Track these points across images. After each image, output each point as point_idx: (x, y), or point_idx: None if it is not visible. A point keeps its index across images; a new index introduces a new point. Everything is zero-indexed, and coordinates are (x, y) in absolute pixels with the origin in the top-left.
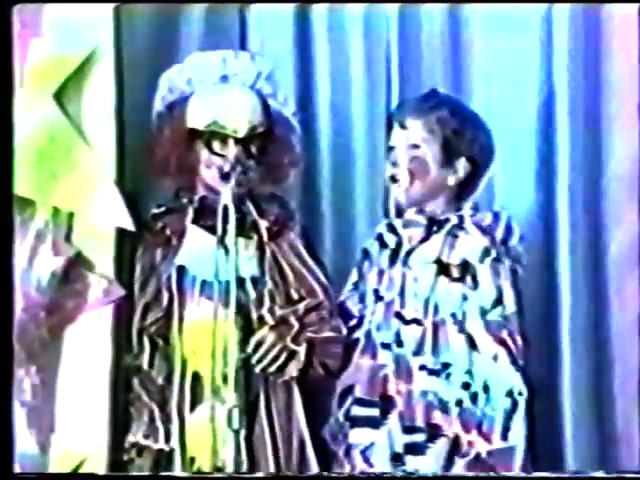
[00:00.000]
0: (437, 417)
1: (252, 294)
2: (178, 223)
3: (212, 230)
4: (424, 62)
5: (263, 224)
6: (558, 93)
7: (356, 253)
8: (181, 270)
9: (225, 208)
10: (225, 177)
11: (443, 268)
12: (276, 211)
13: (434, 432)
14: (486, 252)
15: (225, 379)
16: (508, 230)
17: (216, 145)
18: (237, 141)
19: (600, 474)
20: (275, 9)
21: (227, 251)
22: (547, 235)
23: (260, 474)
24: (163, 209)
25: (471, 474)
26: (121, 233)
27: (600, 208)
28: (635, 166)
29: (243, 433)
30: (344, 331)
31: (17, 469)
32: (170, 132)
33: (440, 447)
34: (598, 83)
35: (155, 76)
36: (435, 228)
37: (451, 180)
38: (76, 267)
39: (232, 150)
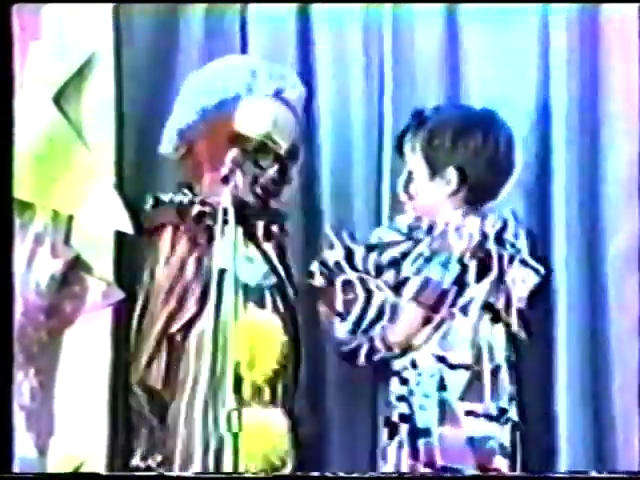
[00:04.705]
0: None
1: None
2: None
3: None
4: (421, 63)
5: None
6: (555, 94)
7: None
8: (221, 272)
9: (225, 211)
10: (225, 180)
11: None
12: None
13: None
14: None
15: (256, 383)
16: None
17: (260, 156)
18: (276, 156)
19: (598, 474)
20: (275, 9)
21: (265, 255)
22: (544, 238)
23: (260, 474)
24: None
25: (471, 474)
26: (120, 236)
27: (598, 211)
28: (634, 168)
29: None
30: None
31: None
32: (216, 130)
33: None
34: (596, 84)
35: (154, 77)
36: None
37: (446, 190)
38: (75, 270)
39: (272, 164)
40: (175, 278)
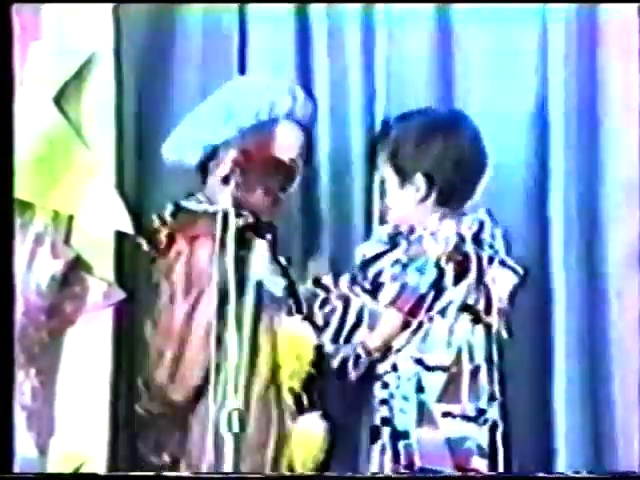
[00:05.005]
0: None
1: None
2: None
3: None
4: (418, 64)
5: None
6: (554, 94)
7: (353, 258)
8: (254, 284)
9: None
10: (225, 180)
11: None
12: None
13: None
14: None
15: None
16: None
17: (285, 180)
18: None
19: (594, 475)
20: (274, 9)
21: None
22: (541, 239)
23: (260, 474)
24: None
25: (470, 474)
26: (120, 236)
27: (598, 211)
28: (634, 168)
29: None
30: None
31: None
32: (252, 149)
33: None
34: (595, 84)
35: (154, 77)
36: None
37: (417, 196)
38: (75, 270)
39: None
40: (214, 290)
